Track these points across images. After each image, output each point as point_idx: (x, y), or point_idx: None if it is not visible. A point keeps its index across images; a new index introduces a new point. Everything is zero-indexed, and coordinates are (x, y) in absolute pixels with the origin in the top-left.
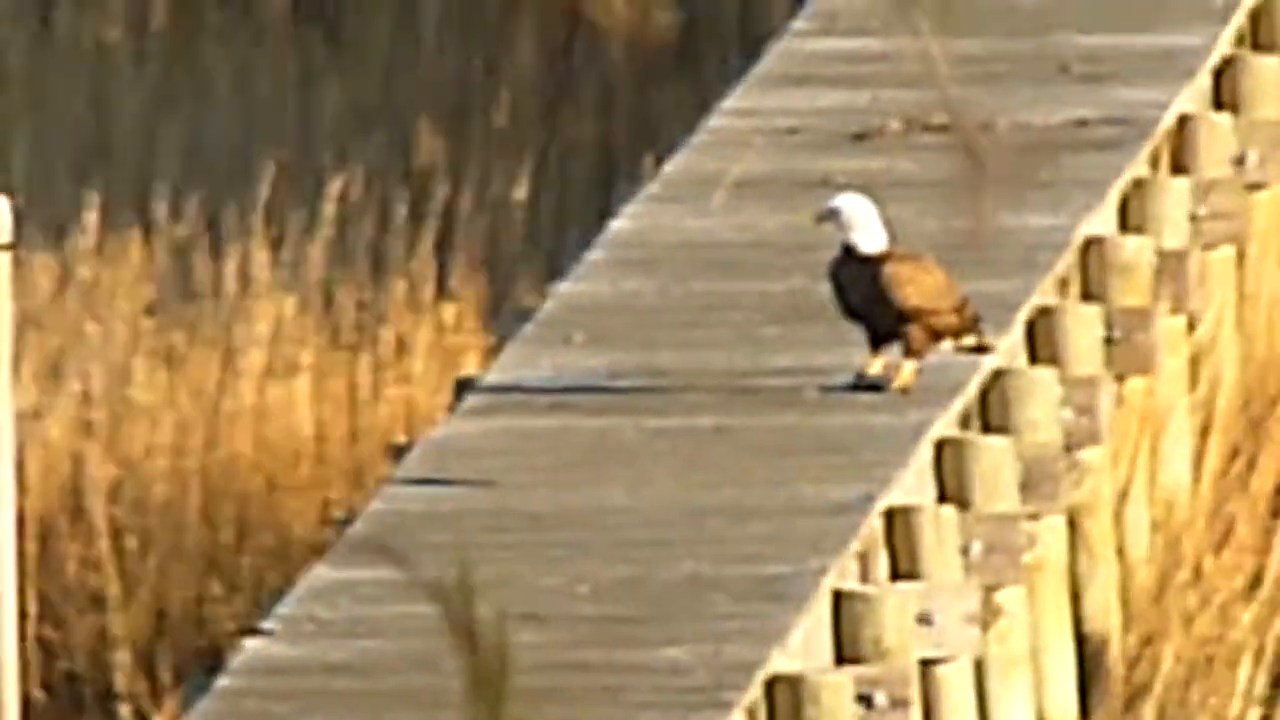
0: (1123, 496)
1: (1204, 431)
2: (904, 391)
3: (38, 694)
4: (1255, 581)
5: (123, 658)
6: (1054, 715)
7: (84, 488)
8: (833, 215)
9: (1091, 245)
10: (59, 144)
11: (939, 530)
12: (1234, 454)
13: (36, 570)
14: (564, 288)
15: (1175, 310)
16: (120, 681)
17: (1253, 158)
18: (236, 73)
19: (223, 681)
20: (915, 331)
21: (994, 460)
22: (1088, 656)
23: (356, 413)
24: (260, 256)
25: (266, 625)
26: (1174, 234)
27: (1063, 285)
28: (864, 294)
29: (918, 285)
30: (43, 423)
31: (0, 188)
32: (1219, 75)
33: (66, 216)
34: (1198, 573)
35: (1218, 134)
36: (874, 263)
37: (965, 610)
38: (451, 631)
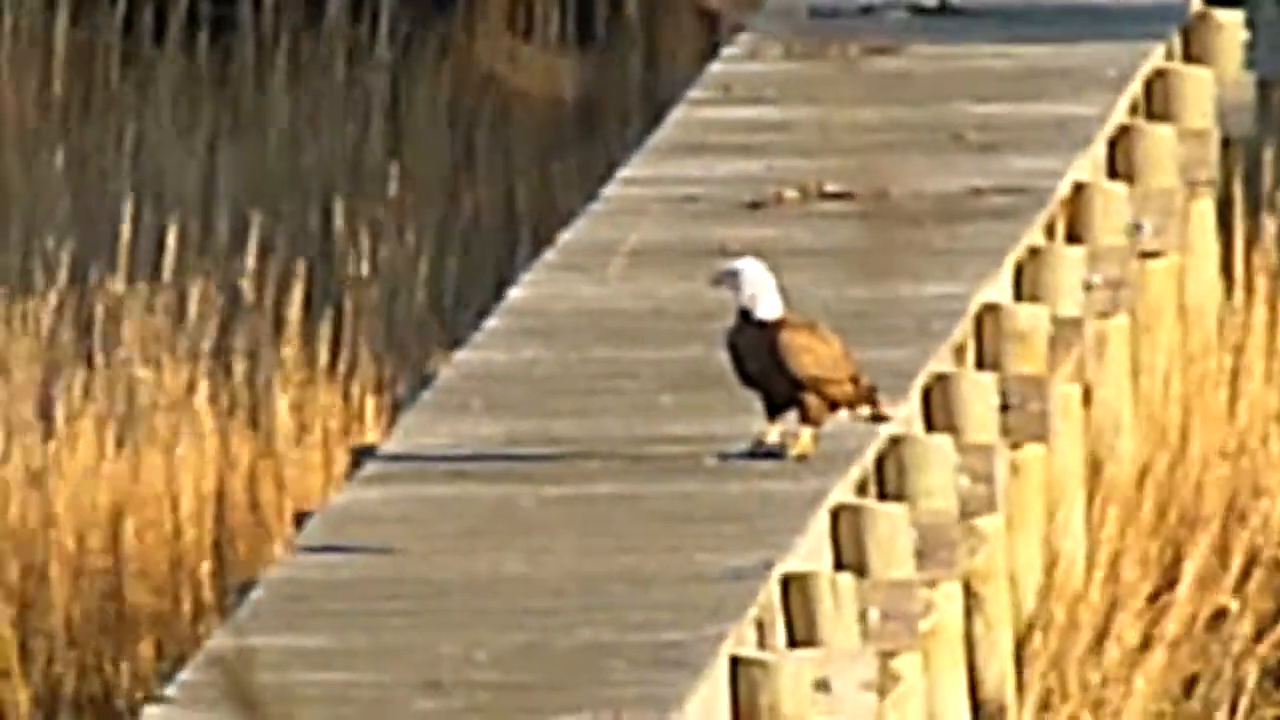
0: (1018, 563)
1: (1099, 499)
2: (801, 459)
3: None
4: (1148, 643)
5: None
6: None
7: None
8: (729, 279)
9: (987, 313)
10: None
11: (836, 597)
12: (1128, 520)
13: None
14: (463, 356)
15: (1070, 378)
16: None
17: (1147, 227)
18: (136, 140)
19: None
20: (812, 400)
21: (891, 527)
22: None
23: (256, 480)
24: (160, 324)
25: (168, 692)
26: (1069, 302)
27: (959, 353)
28: (761, 362)
29: (814, 354)
30: None
31: None
32: (1114, 144)
33: None
34: (1097, 638)
35: (1112, 203)
36: (770, 330)
37: (863, 677)
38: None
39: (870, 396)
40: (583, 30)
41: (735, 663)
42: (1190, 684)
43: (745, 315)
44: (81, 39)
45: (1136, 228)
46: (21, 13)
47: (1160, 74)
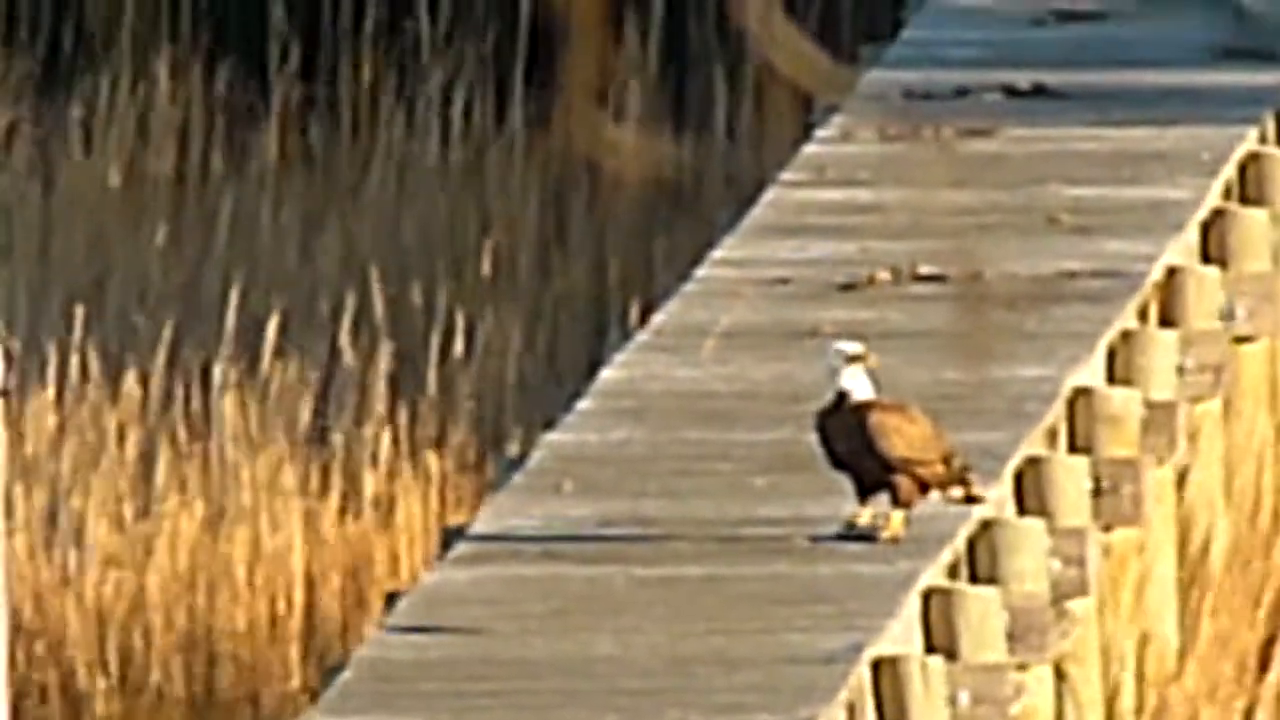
0: (1110, 648)
1: (1191, 583)
2: (893, 541)
3: None
4: None
5: None
6: None
7: (68, 638)
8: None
9: (1080, 396)
10: (57, 290)
11: (927, 680)
12: (1221, 605)
13: None
14: (554, 437)
15: (1163, 462)
16: None
17: (1240, 311)
18: (235, 218)
19: None
20: (903, 481)
21: (982, 610)
22: None
23: (345, 561)
24: (253, 405)
25: None
26: (1161, 386)
27: (1051, 436)
28: (851, 444)
29: (904, 435)
30: (35, 567)
31: None
32: (1207, 228)
33: (62, 364)
34: None
35: (1205, 287)
36: (860, 412)
37: None
38: None
39: (963, 477)
40: (675, 109)
41: None
42: None
43: (841, 398)
44: (183, 116)
45: (1230, 312)
46: (124, 90)
47: (1254, 157)
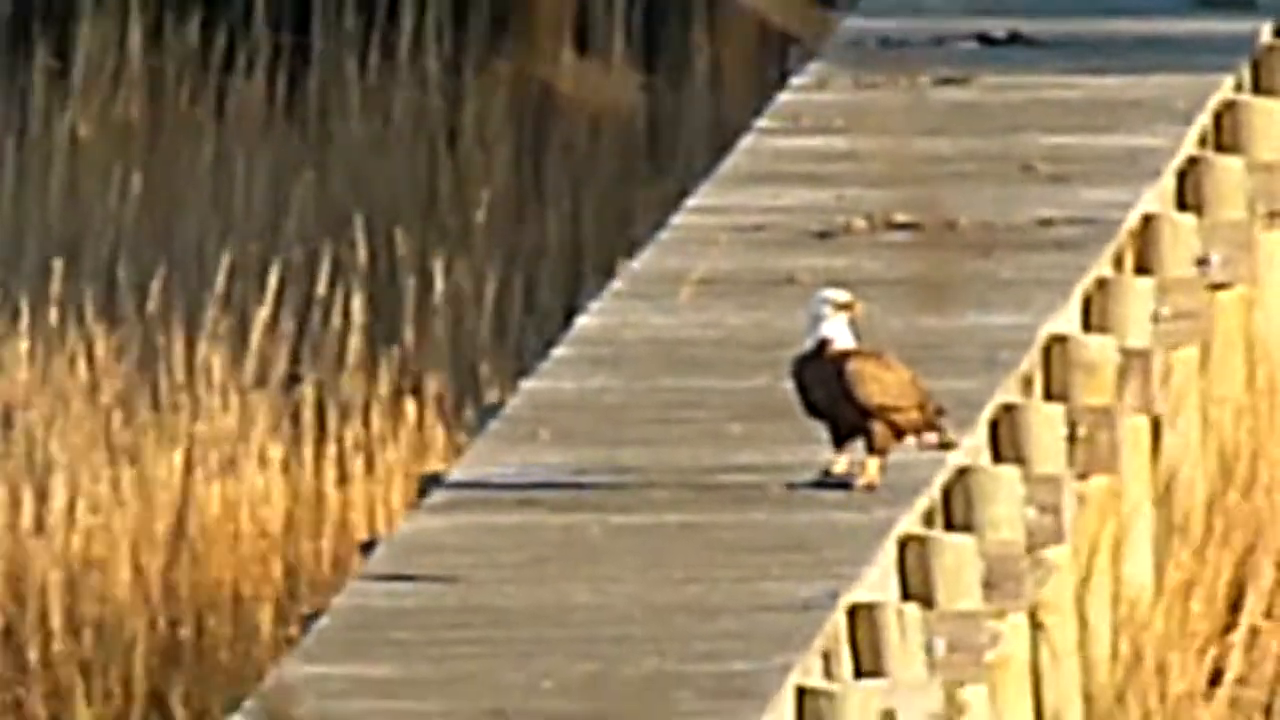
0: (1085, 595)
1: (1166, 530)
2: (869, 489)
3: None
4: (1216, 678)
5: None
6: None
7: (43, 584)
8: (828, 310)
9: (1055, 344)
10: (32, 243)
11: (903, 628)
12: (1196, 552)
13: None
14: (530, 385)
15: (1139, 409)
16: None
17: (1216, 258)
18: (208, 167)
19: None
20: (879, 428)
21: (958, 558)
22: None
23: (322, 509)
24: (226, 352)
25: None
26: (1137, 333)
27: (1026, 384)
28: (828, 391)
29: (881, 382)
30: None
31: None
32: (1183, 176)
33: (34, 311)
34: (1160, 671)
35: (1181, 234)
36: (838, 360)
37: (928, 708)
38: None
39: (937, 423)
40: (649, 54)
41: (801, 693)
42: (1259, 718)
43: (823, 345)
44: (155, 66)
45: (1205, 260)
46: (95, 41)
47: (1229, 105)
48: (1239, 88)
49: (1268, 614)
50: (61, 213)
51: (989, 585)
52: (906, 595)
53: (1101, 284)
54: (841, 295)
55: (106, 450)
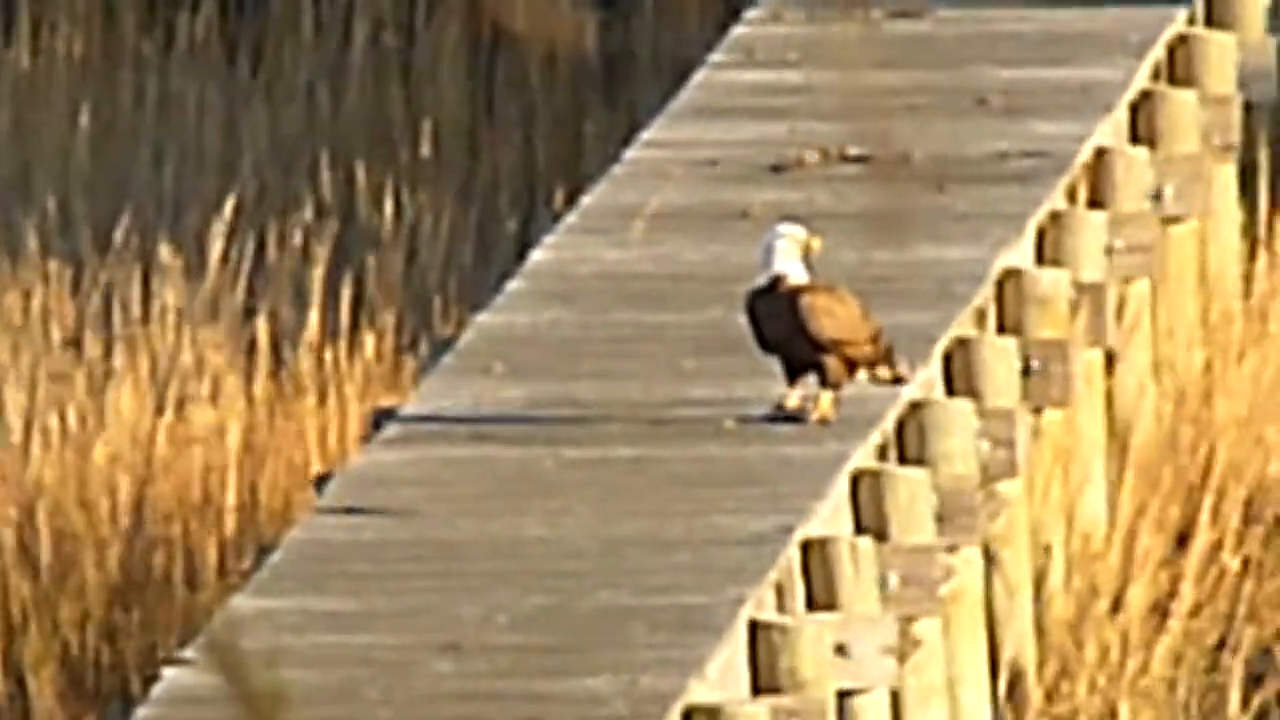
0: (1039, 528)
1: (1120, 464)
2: (822, 423)
3: None
4: (1166, 609)
5: (35, 687)
6: None
7: None
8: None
9: (1008, 277)
10: None
11: (856, 561)
12: (1149, 486)
13: None
14: (484, 318)
15: (1092, 343)
16: (37, 712)
17: (1169, 192)
18: (158, 98)
19: (142, 712)
20: (832, 363)
21: (911, 492)
22: (1005, 688)
23: (277, 441)
24: (180, 286)
25: (186, 654)
26: (1091, 267)
27: (980, 317)
28: (781, 326)
29: (834, 316)
30: None
31: None
32: (1135, 109)
33: None
34: (1115, 604)
35: (1134, 168)
36: (791, 294)
37: (882, 642)
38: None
39: (890, 357)
40: None
41: (755, 627)
42: (1211, 650)
43: (775, 280)
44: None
45: (1158, 193)
46: None
47: (1183, 39)
48: (1192, 21)
49: (1218, 545)
50: (9, 147)
51: (942, 519)
52: (860, 529)
53: (1055, 217)
54: (797, 230)
55: (60, 385)
